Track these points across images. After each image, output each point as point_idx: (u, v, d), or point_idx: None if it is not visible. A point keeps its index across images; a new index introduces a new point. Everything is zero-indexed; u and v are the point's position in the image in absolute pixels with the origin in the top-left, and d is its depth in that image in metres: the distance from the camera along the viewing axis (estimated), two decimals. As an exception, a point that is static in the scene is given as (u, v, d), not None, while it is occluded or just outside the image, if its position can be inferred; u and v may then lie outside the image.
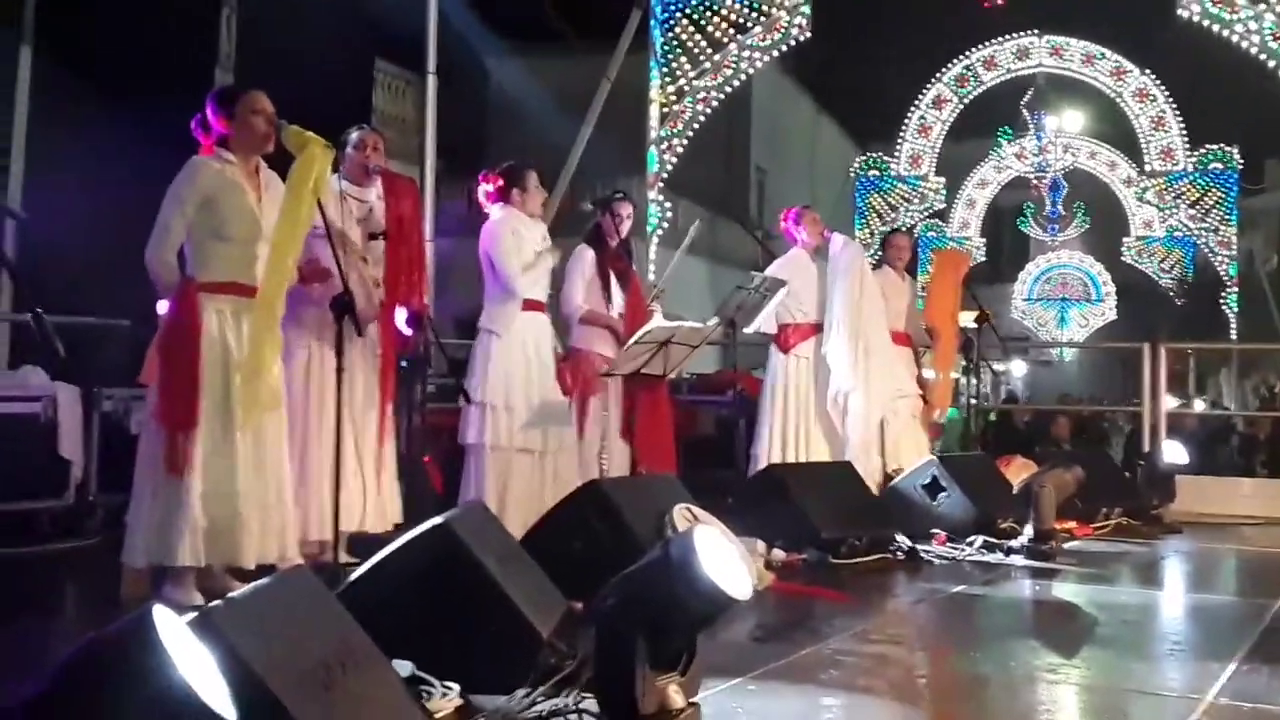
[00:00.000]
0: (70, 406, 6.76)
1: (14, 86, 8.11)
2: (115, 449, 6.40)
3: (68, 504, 6.71)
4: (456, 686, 3.44)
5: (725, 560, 3.07)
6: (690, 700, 3.17)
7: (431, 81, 11.28)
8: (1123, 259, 24.80)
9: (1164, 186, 23.26)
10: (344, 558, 4.86)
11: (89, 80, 7.59)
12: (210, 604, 2.50)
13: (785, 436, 7.61)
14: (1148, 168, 23.25)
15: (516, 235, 6.24)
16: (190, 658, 2.14)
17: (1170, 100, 22.80)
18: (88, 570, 5.97)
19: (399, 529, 5.18)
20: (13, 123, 7.91)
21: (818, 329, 7.70)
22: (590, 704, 3.23)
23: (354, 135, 5.60)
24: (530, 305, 6.29)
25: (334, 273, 4.85)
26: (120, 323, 6.79)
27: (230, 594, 2.65)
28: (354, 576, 3.73)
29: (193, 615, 2.30)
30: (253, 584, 2.79)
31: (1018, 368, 27.09)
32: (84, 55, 7.89)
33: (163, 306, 4.85)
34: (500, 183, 6.31)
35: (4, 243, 3.33)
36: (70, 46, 8.01)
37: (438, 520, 3.73)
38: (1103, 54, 22.90)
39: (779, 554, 6.11)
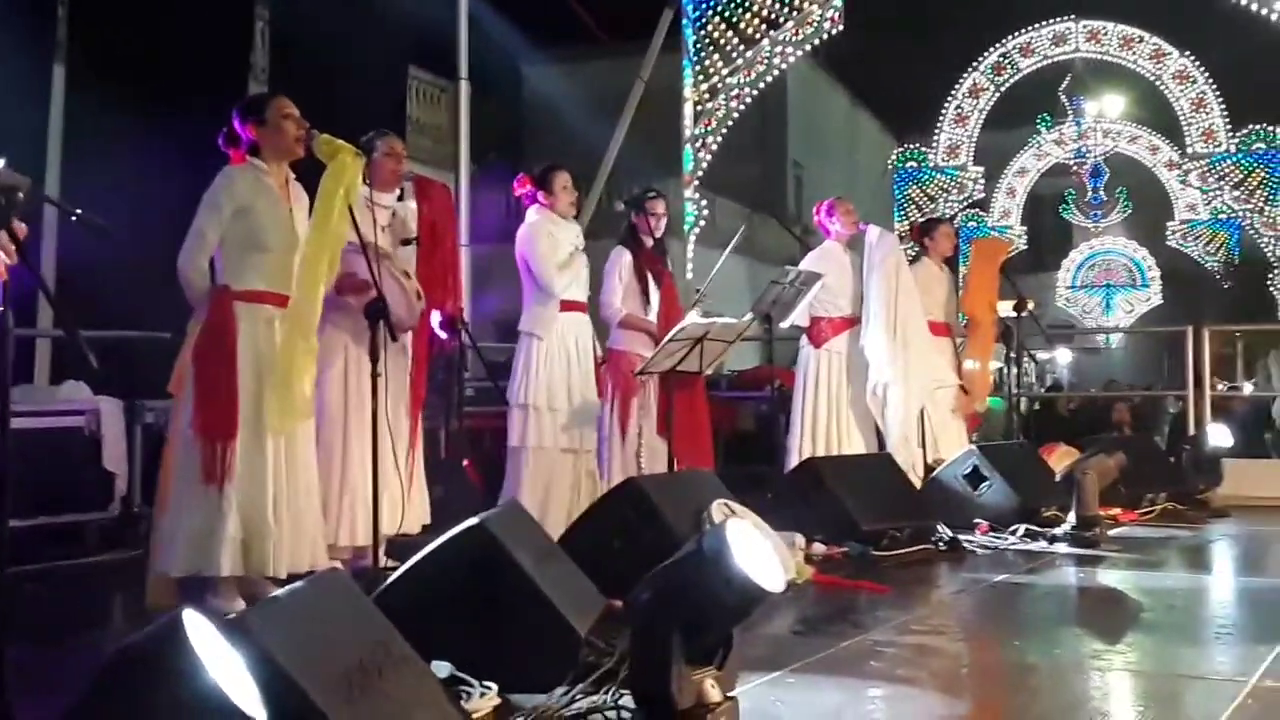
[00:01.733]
0: (113, 419, 6.82)
1: (48, 103, 8.18)
2: (158, 461, 6.45)
3: (113, 516, 6.78)
4: (495, 686, 3.45)
5: (758, 553, 3.06)
6: (728, 694, 3.16)
7: (464, 87, 11.32)
8: (1168, 243, 24.54)
9: (1207, 169, 22.99)
10: (384, 561, 4.89)
11: (122, 96, 7.62)
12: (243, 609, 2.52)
13: (817, 430, 7.57)
14: (1190, 150, 23.00)
15: (551, 237, 6.28)
16: (221, 661, 2.15)
17: (1211, 81, 22.54)
18: (135, 581, 6.01)
19: (427, 531, 5.21)
20: (47, 139, 7.98)
21: (851, 323, 7.66)
22: (629, 700, 3.22)
23: (378, 142, 5.61)
24: (570, 306, 6.35)
25: (370, 285, 4.87)
26: (161, 335, 6.83)
27: (264, 598, 2.67)
28: (391, 579, 3.74)
29: (224, 619, 2.32)
30: (286, 588, 2.81)
31: (1063, 355, 26.89)
32: (116, 71, 7.93)
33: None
34: (530, 185, 6.38)
35: (40, 259, 3.34)
36: (103, 63, 8.06)
37: (474, 521, 3.74)
38: (1141, 37, 22.67)
39: (819, 547, 6.09)
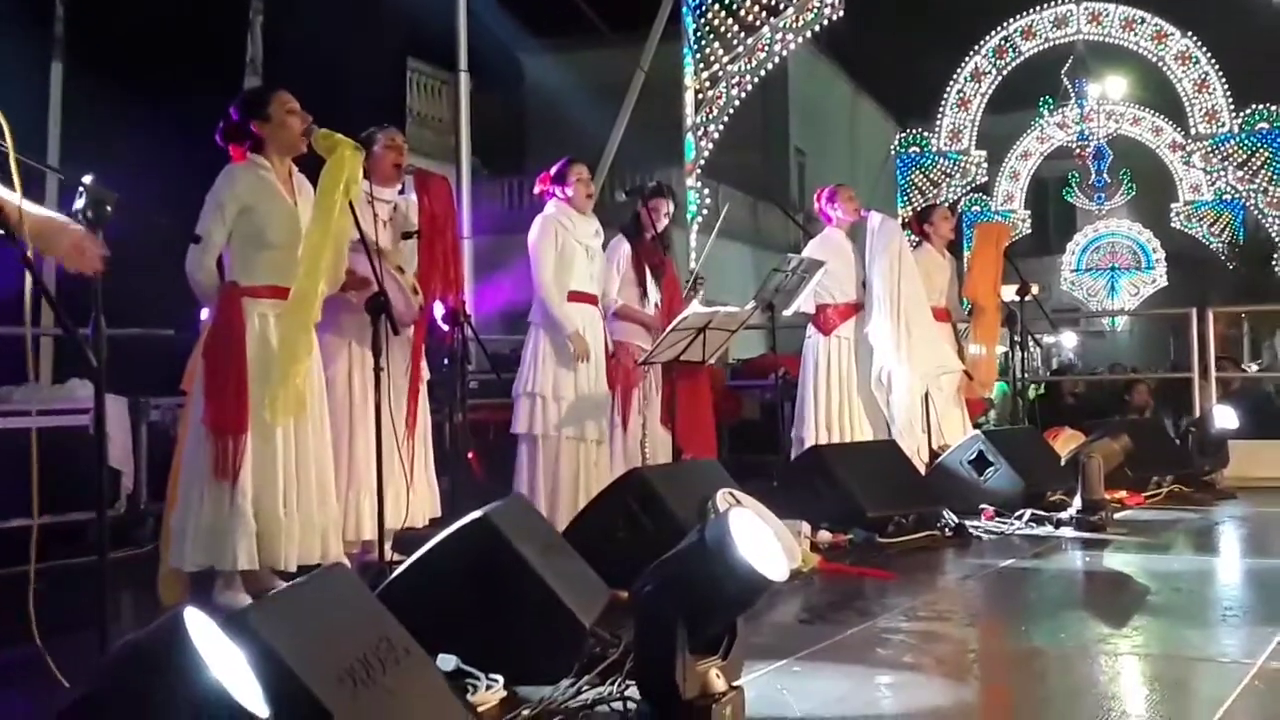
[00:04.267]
0: (118, 417, 6.81)
1: (47, 101, 8.18)
2: (163, 458, 6.44)
3: (119, 514, 6.77)
4: (500, 679, 3.46)
5: (762, 542, 3.05)
6: (733, 684, 3.16)
7: (464, 79, 11.32)
8: (1172, 225, 24.54)
9: (1210, 150, 22.97)
10: (390, 555, 4.89)
11: (120, 92, 7.58)
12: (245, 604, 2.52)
13: (830, 418, 7.56)
14: (1193, 131, 22.99)
15: (563, 231, 6.29)
16: (223, 658, 2.15)
17: (1213, 62, 22.51)
18: (142, 579, 6.02)
19: (435, 524, 5.22)
20: (47, 135, 7.99)
21: (857, 308, 7.66)
22: (634, 691, 3.22)
23: (379, 135, 5.60)
24: (580, 297, 6.36)
25: (371, 281, 4.87)
26: (164, 332, 6.83)
27: (267, 593, 2.67)
28: (396, 573, 3.75)
29: (226, 615, 2.32)
30: (290, 583, 2.81)
31: (1069, 339, 26.91)
32: (114, 67, 7.88)
33: (205, 314, 4.89)
34: (548, 183, 6.40)
35: (41, 260, 3.38)
36: (100, 59, 8.03)
37: (478, 514, 3.74)
38: (1142, 18, 22.64)
39: (825, 535, 6.09)
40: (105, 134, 7.54)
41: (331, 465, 5.00)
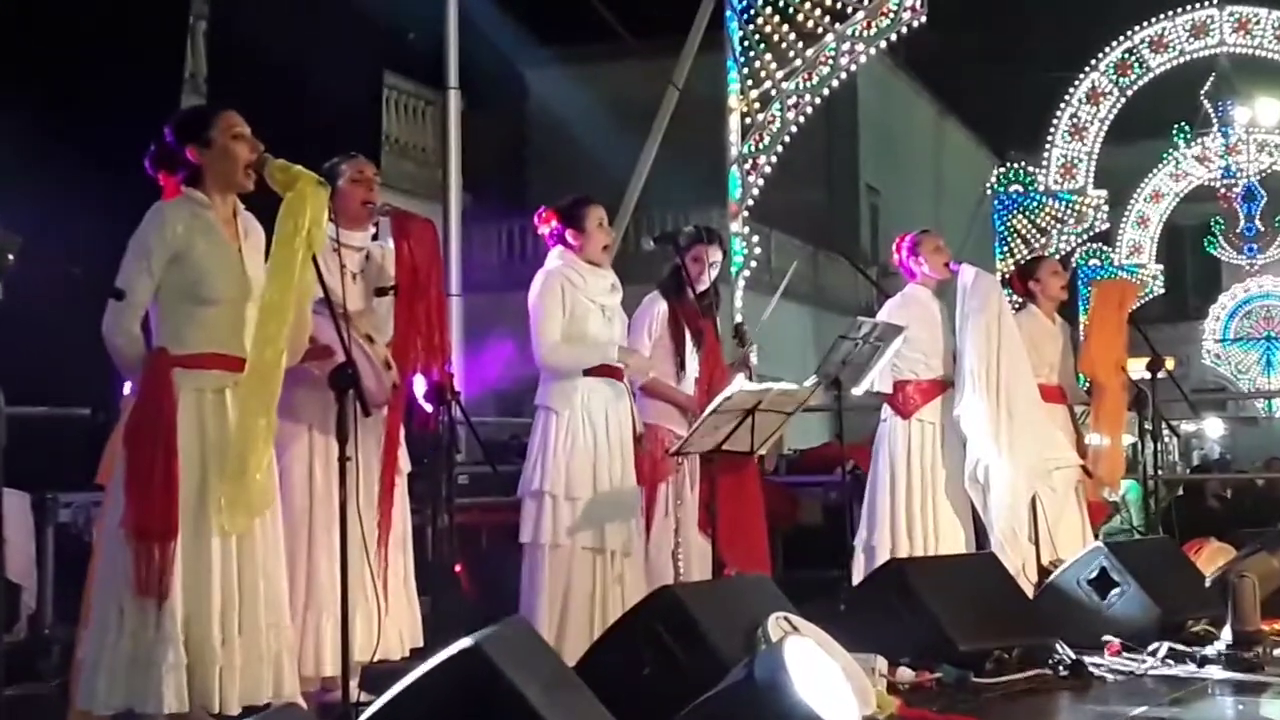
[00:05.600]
0: (18, 518, 6.81)
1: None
2: (75, 570, 6.45)
3: (18, 640, 6.77)
4: None
5: (825, 680, 3.06)
6: None
7: (454, 98, 11.44)
8: (1343, 284, 24.56)
9: (1391, 190, 23.02)
10: (357, 694, 4.89)
11: (24, 111, 7.65)
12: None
13: (910, 523, 7.52)
14: (1369, 167, 23.03)
15: (571, 289, 6.33)
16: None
17: (1392, 81, 22.61)
18: (48, 721, 6.04)
19: (414, 655, 5.21)
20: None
21: (945, 386, 7.66)
22: None
23: (344, 167, 5.66)
24: (599, 371, 6.38)
25: (336, 349, 4.90)
26: (78, 411, 6.87)
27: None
28: (365, 716, 3.75)
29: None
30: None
31: (1213, 427, 26.79)
32: (16, 81, 7.98)
33: (128, 389, 4.91)
34: (555, 221, 6.43)
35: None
36: (3, 75, 8.15)
37: (467, 642, 3.76)
38: (1302, 27, 22.76)
39: (906, 673, 6.06)
40: (10, 164, 7.63)
41: (285, 579, 5.00)
